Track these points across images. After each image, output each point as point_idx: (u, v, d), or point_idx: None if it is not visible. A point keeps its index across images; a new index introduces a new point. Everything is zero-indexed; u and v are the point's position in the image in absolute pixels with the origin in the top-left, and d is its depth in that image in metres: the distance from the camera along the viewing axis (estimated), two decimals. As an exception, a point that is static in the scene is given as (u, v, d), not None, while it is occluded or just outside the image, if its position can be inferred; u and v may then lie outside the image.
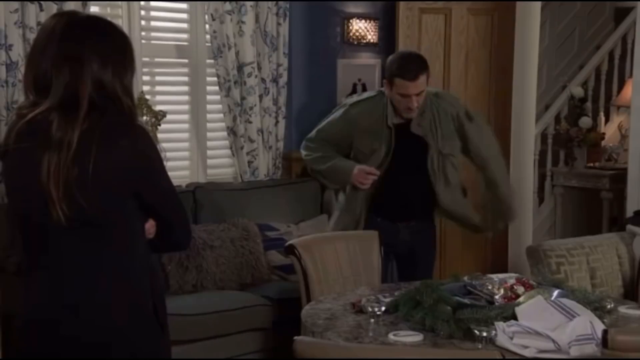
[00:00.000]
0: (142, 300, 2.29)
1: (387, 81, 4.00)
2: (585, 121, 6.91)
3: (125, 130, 2.22)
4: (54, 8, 4.44)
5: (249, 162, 5.33)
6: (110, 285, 2.24)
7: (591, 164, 7.02)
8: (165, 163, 2.33)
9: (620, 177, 6.38)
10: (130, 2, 4.94)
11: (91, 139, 2.16)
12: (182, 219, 2.43)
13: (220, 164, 5.52)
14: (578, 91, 7.02)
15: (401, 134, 4.03)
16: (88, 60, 2.20)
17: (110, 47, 2.26)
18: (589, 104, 7.10)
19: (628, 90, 6.65)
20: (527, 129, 5.93)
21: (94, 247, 2.24)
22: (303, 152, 4.33)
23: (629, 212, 4.88)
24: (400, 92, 3.90)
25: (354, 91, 5.82)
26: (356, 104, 4.16)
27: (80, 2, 4.52)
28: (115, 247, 2.25)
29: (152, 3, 5.16)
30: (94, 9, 4.78)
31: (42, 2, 4.45)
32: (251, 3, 5.22)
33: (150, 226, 2.35)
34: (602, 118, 7.38)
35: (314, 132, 4.30)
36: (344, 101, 4.32)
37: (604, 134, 7.17)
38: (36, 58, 2.25)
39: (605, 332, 2.39)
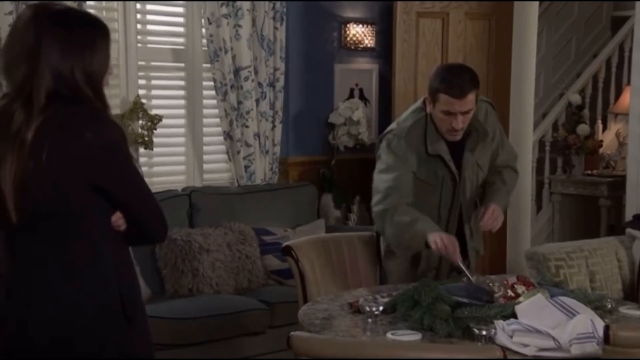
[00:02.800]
0: (106, 294, 2.25)
1: (429, 97, 3.44)
2: (583, 128, 6.90)
3: (89, 121, 2.18)
4: (49, 10, 4.41)
5: (246, 167, 5.30)
6: (73, 280, 2.20)
7: (589, 172, 7.02)
8: (135, 159, 2.29)
9: (618, 185, 6.38)
10: (127, 2, 4.92)
11: (47, 130, 2.13)
12: (153, 211, 2.35)
13: (217, 169, 5.50)
14: (575, 98, 7.02)
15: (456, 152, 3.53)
16: (45, 49, 2.17)
17: (71, 34, 2.22)
18: (586, 112, 7.10)
19: (625, 98, 6.65)
20: (525, 136, 5.93)
21: (56, 243, 2.20)
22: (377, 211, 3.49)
23: (628, 217, 4.85)
24: (444, 109, 3.37)
25: (351, 96, 5.81)
26: (397, 141, 3.51)
27: (75, 4, 4.49)
28: (77, 241, 2.22)
29: (148, 6, 5.13)
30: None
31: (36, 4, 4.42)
32: (248, 7, 5.20)
33: (117, 218, 2.29)
34: (600, 126, 7.39)
35: (380, 197, 3.47)
36: (386, 138, 3.56)
37: (601, 141, 7.17)
38: (7, 47, 2.24)
39: (607, 328, 2.34)
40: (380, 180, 3.50)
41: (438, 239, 3.25)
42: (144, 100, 4.94)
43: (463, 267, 3.24)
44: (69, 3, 4.41)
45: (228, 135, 5.26)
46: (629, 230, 4.37)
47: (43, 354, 2.20)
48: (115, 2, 4.90)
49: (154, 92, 5.20)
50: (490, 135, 3.62)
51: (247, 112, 5.24)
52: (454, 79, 3.35)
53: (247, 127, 5.26)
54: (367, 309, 2.91)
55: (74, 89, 2.20)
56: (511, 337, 2.60)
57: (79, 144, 2.14)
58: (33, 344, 2.20)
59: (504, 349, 2.46)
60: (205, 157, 5.41)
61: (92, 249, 2.24)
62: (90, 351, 2.22)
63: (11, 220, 2.15)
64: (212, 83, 5.21)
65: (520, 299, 2.88)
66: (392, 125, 3.63)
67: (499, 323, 2.65)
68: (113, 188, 2.24)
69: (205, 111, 5.37)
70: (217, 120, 5.29)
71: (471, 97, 3.36)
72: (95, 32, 2.28)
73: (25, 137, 2.12)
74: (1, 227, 2.22)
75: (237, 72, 5.20)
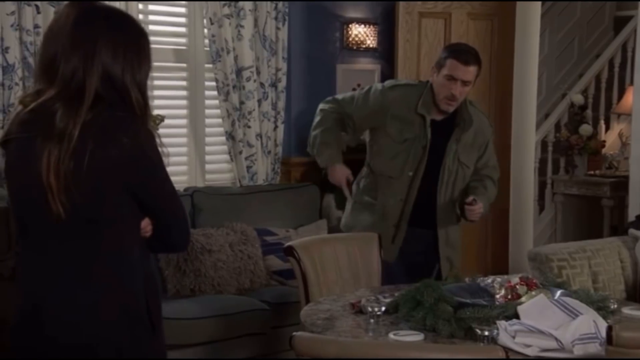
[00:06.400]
0: (133, 300, 2.22)
1: (435, 66, 3.87)
2: (586, 129, 6.88)
3: (127, 126, 2.15)
4: (50, 10, 4.41)
5: (248, 167, 5.30)
6: (101, 285, 2.18)
7: (592, 172, 7.00)
8: (166, 164, 2.27)
9: (621, 185, 6.36)
10: (129, 2, 4.92)
11: (90, 132, 2.11)
12: (180, 220, 2.35)
13: (219, 169, 5.49)
14: (578, 98, 7.00)
15: (435, 130, 3.89)
16: (99, 50, 2.15)
17: (124, 39, 2.20)
18: (589, 112, 7.08)
19: (628, 98, 6.63)
20: (528, 136, 5.90)
21: (87, 245, 2.17)
22: (322, 105, 4.14)
23: (631, 217, 4.83)
24: (447, 73, 3.78)
25: (352, 96, 5.81)
26: (394, 88, 4.00)
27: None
28: (108, 246, 2.19)
29: (151, 7, 5.13)
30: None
31: (38, 4, 4.43)
32: (250, 7, 5.20)
33: (145, 224, 2.28)
34: (603, 126, 7.37)
35: (342, 97, 4.13)
36: (384, 84, 4.10)
37: (604, 141, 7.15)
38: (47, 44, 2.20)
39: (609, 328, 2.34)
40: (345, 95, 4.14)
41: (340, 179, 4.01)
42: (146, 101, 4.93)
43: (345, 191, 4.05)
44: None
45: (230, 136, 5.25)
46: (631, 231, 4.36)
47: (63, 357, 2.17)
48: (117, 2, 4.89)
49: (156, 92, 5.17)
50: (480, 139, 4.02)
51: (249, 113, 5.24)
52: (462, 49, 3.87)
53: (249, 127, 5.25)
54: (370, 309, 2.90)
55: (121, 92, 2.18)
56: (513, 337, 2.59)
57: (118, 149, 2.12)
58: (52, 348, 2.17)
59: (507, 349, 2.45)
60: (207, 157, 5.40)
61: (123, 254, 2.21)
62: (114, 357, 2.19)
63: (52, 216, 2.12)
64: (214, 83, 5.20)
65: (523, 299, 2.88)
66: (392, 81, 4.18)
67: (502, 323, 2.65)
68: (148, 196, 2.22)
69: (207, 111, 5.37)
70: (219, 120, 5.29)
71: (473, 69, 3.79)
72: (142, 37, 2.27)
73: (72, 134, 2.09)
74: (35, 225, 2.20)
75: (239, 72, 5.20)
